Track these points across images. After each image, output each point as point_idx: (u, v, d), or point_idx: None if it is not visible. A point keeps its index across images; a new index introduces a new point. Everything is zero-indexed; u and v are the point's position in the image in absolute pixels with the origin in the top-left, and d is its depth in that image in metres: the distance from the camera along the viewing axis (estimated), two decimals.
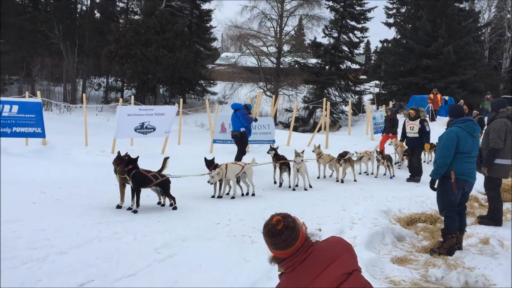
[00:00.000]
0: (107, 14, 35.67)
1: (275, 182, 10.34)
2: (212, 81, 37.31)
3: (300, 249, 2.52)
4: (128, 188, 7.26)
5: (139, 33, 29.01)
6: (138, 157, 7.32)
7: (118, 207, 7.19)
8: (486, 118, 11.34)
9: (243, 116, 11.60)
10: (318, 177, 11.41)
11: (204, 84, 37.13)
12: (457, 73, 29.66)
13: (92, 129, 15.50)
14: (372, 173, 12.30)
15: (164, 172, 7.67)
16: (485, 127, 7.93)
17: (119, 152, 7.45)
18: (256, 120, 12.67)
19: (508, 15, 35.32)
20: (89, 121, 14.53)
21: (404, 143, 12.49)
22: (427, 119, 12.55)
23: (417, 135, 11.65)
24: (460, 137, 5.78)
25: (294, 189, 9.80)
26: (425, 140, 11.67)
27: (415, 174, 11.64)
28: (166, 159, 7.85)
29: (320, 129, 19.13)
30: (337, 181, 11.01)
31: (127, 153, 7.36)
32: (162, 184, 7.42)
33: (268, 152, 10.67)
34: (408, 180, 11.54)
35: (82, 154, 12.29)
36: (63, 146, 12.73)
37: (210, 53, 39.82)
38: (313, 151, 11.42)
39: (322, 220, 7.04)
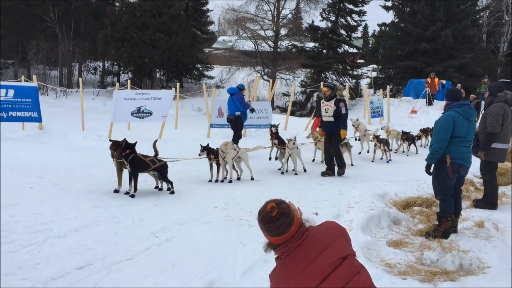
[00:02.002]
0: None
1: (270, 159, 10.45)
2: (209, 65, 37.12)
3: (295, 234, 2.53)
4: (126, 172, 7.28)
5: (135, 17, 28.75)
6: (136, 142, 7.32)
7: (116, 191, 7.22)
8: (482, 102, 11.24)
9: (239, 101, 11.59)
10: (313, 160, 11.50)
11: (201, 68, 36.94)
12: (455, 57, 29.55)
13: (89, 113, 15.45)
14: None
15: (160, 156, 7.69)
16: (482, 111, 7.94)
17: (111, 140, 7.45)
18: (252, 110, 12.53)
19: None
20: (85, 106, 14.49)
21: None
22: (346, 98, 10.41)
23: (332, 119, 9.59)
24: (456, 122, 5.80)
25: (283, 173, 9.93)
26: (341, 125, 9.56)
27: (331, 167, 9.78)
28: (155, 142, 7.87)
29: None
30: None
31: (125, 139, 7.35)
32: (160, 169, 7.44)
33: (271, 128, 10.76)
34: (323, 174, 9.69)
35: (79, 138, 12.28)
36: (59, 130, 12.70)
37: (207, 36, 39.53)
38: (307, 137, 11.49)
39: (319, 204, 7.10)
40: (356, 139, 13.16)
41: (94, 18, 33.42)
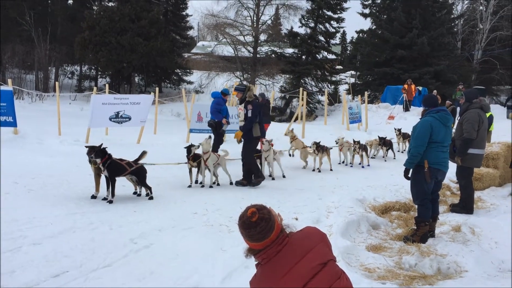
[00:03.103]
0: (80, 1, 34.81)
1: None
2: (188, 70, 36.94)
3: (276, 240, 2.52)
4: (103, 178, 7.17)
5: (113, 21, 28.44)
6: (106, 147, 7.16)
7: (93, 197, 7.10)
8: (458, 108, 11.40)
9: (212, 106, 11.43)
10: (290, 155, 11.68)
11: (180, 73, 36.74)
12: (431, 64, 30.11)
13: (66, 118, 15.19)
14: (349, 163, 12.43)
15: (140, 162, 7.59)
16: (457, 117, 8.09)
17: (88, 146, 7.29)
18: (227, 123, 11.49)
19: (481, 7, 35.91)
20: (62, 110, 14.24)
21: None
22: (254, 100, 9.05)
23: (244, 123, 8.91)
24: (433, 127, 5.89)
25: (273, 178, 9.89)
26: (243, 128, 8.84)
27: (247, 177, 8.98)
28: (144, 152, 7.70)
29: (296, 119, 19.22)
30: (313, 170, 11.09)
31: (101, 144, 7.23)
32: (137, 173, 7.34)
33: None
34: (237, 183, 8.92)
35: (55, 143, 12.04)
36: (35, 135, 12.43)
37: (186, 42, 39.32)
38: (285, 134, 11.44)
39: (299, 209, 7.11)
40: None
41: (71, 22, 32.92)
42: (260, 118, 9.02)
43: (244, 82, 9.57)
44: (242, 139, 9.05)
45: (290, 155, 12.01)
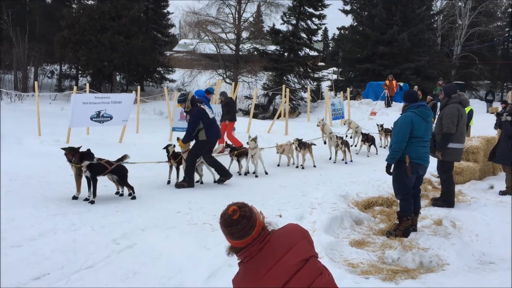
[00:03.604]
0: None
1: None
2: (170, 68, 36.72)
3: (257, 238, 2.52)
4: (85, 178, 7.07)
5: (93, 19, 28.09)
6: (80, 147, 7.10)
7: (74, 198, 7.01)
8: (438, 104, 11.54)
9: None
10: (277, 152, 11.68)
11: (162, 72, 36.49)
12: (411, 60, 30.43)
13: (46, 118, 14.96)
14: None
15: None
16: (438, 112, 8.19)
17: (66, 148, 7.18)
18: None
19: (459, 3, 36.38)
20: (42, 110, 14.02)
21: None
22: (194, 108, 8.72)
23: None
24: (414, 122, 5.95)
25: (246, 174, 9.98)
26: (183, 140, 8.68)
27: (189, 179, 8.57)
28: (125, 156, 7.59)
29: (279, 116, 19.23)
30: (297, 167, 11.12)
31: (80, 146, 7.13)
32: (118, 172, 7.26)
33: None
34: (178, 186, 8.47)
35: (35, 144, 11.85)
36: (14, 135, 12.23)
37: (168, 39, 39.06)
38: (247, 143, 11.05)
39: (283, 206, 7.12)
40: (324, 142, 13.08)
41: (50, 20, 32.40)
42: (209, 121, 8.69)
43: (184, 92, 9.09)
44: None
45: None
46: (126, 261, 4.71)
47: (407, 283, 4.48)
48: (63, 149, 7.10)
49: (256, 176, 9.82)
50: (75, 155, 6.96)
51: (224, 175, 8.91)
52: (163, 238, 5.47)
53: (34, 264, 4.46)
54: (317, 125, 13.10)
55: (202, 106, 8.77)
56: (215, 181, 8.97)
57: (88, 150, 7.00)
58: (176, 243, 5.33)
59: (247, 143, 9.87)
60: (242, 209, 2.51)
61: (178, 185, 8.48)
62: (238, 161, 10.17)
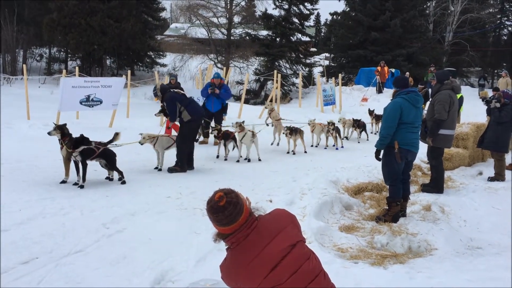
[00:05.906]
0: None
1: (217, 157, 10.17)
2: (161, 53, 36.38)
3: (244, 224, 2.51)
4: (73, 163, 7.01)
5: (83, 1, 27.66)
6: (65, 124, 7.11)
7: (63, 182, 6.97)
8: (430, 90, 11.53)
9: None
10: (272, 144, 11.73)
11: (153, 56, 36.16)
12: (403, 46, 30.43)
13: (35, 102, 14.81)
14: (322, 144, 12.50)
15: (111, 146, 7.45)
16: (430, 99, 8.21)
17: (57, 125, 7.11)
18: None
19: None
20: (31, 94, 13.87)
21: None
22: (166, 95, 8.78)
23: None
24: (403, 108, 5.96)
25: (249, 160, 9.91)
26: (170, 118, 8.91)
27: (182, 163, 8.56)
28: (117, 134, 7.56)
29: (271, 101, 19.18)
30: (288, 152, 11.13)
31: (65, 124, 7.08)
32: (106, 156, 7.20)
33: (211, 133, 10.39)
34: (170, 171, 8.40)
35: (24, 127, 11.73)
36: (3, 119, 12.07)
37: (158, 23, 38.66)
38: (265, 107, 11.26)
39: (273, 191, 7.13)
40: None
41: (38, 3, 31.89)
42: (186, 101, 8.69)
43: (157, 87, 9.00)
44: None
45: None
46: (115, 246, 4.70)
47: (395, 267, 4.52)
48: (49, 132, 7.02)
49: (248, 161, 9.81)
50: (65, 138, 6.88)
51: (180, 166, 8.52)
52: (153, 223, 5.46)
53: (22, 248, 4.44)
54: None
55: (175, 91, 8.87)
56: (169, 168, 8.52)
57: (81, 135, 6.93)
58: (166, 227, 5.33)
59: (232, 125, 9.91)
60: (229, 195, 2.49)
61: (171, 170, 8.43)
62: (225, 145, 10.09)
